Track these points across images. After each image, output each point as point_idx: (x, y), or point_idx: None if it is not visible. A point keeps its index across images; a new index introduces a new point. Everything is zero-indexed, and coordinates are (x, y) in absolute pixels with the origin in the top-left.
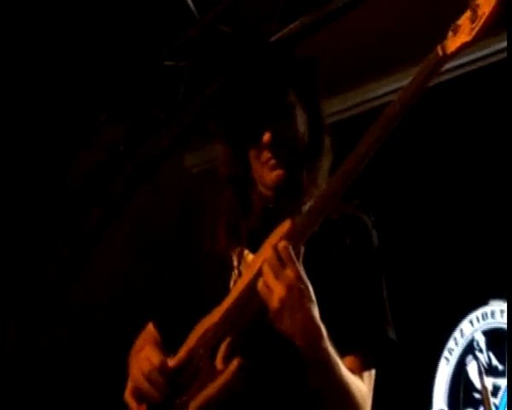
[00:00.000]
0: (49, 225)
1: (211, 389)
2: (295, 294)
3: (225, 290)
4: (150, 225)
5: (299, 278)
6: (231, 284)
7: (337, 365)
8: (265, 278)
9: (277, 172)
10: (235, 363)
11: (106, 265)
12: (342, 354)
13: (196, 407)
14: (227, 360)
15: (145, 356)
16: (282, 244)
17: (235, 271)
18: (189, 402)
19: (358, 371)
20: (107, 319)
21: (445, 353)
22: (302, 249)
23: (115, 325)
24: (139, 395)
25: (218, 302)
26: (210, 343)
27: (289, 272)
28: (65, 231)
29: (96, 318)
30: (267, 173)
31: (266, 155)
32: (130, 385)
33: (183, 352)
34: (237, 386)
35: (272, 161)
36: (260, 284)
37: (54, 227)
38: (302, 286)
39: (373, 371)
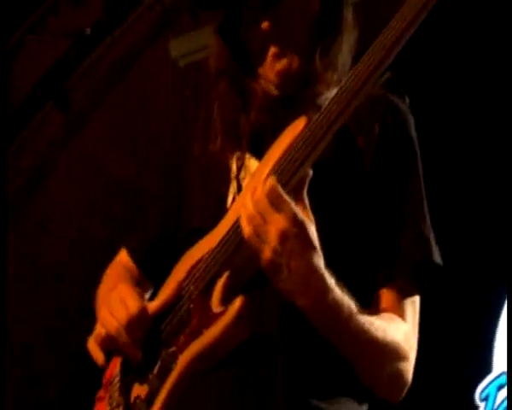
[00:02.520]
0: None
1: (205, 337)
2: (291, 241)
3: (222, 209)
4: (128, 130)
5: (294, 221)
6: (229, 200)
7: (352, 319)
8: (253, 224)
9: (282, 63)
10: (236, 304)
11: (72, 182)
12: (377, 287)
13: (187, 360)
14: (226, 300)
15: (119, 298)
16: (269, 182)
17: (234, 182)
18: (178, 355)
19: (398, 301)
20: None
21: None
22: (310, 174)
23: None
24: (110, 346)
25: (212, 225)
26: (203, 279)
27: (282, 217)
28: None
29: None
30: (270, 66)
31: (267, 43)
32: (97, 332)
33: (168, 290)
34: (240, 334)
35: (274, 49)
36: (248, 231)
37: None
38: (299, 231)
39: (416, 299)
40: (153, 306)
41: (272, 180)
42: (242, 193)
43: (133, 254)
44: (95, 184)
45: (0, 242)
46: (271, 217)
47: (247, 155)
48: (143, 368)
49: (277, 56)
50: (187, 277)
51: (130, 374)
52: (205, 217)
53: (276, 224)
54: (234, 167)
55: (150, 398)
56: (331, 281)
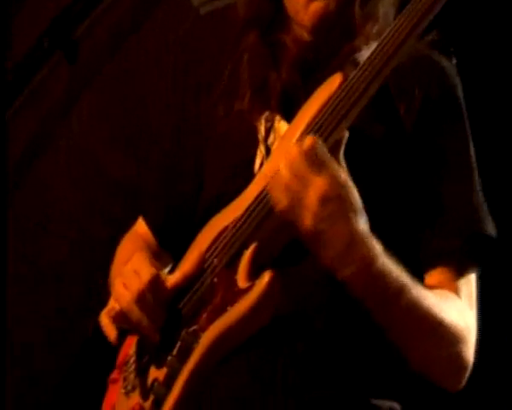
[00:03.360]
0: None
1: (230, 315)
2: (334, 204)
3: (248, 174)
4: (129, 130)
5: (336, 182)
6: (256, 165)
7: (404, 291)
8: (290, 190)
9: (318, 3)
10: (265, 279)
11: (72, 182)
12: (426, 263)
13: (210, 339)
14: (253, 274)
15: (132, 269)
16: (308, 141)
17: (262, 146)
18: (200, 334)
19: (450, 277)
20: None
21: None
22: (346, 136)
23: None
24: (124, 324)
25: (237, 192)
26: (227, 251)
27: (322, 178)
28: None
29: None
30: (303, 8)
31: None
32: (111, 307)
33: (188, 263)
34: (268, 312)
35: None
36: (284, 199)
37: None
38: (342, 192)
39: (471, 275)
40: (172, 279)
41: (311, 139)
42: (271, 157)
43: (153, 225)
44: (95, 184)
45: (0, 242)
46: (310, 179)
47: (277, 117)
48: (161, 349)
49: None
50: (210, 249)
51: (147, 355)
52: (229, 182)
53: (316, 186)
54: (262, 129)
55: (169, 381)
56: (378, 248)
